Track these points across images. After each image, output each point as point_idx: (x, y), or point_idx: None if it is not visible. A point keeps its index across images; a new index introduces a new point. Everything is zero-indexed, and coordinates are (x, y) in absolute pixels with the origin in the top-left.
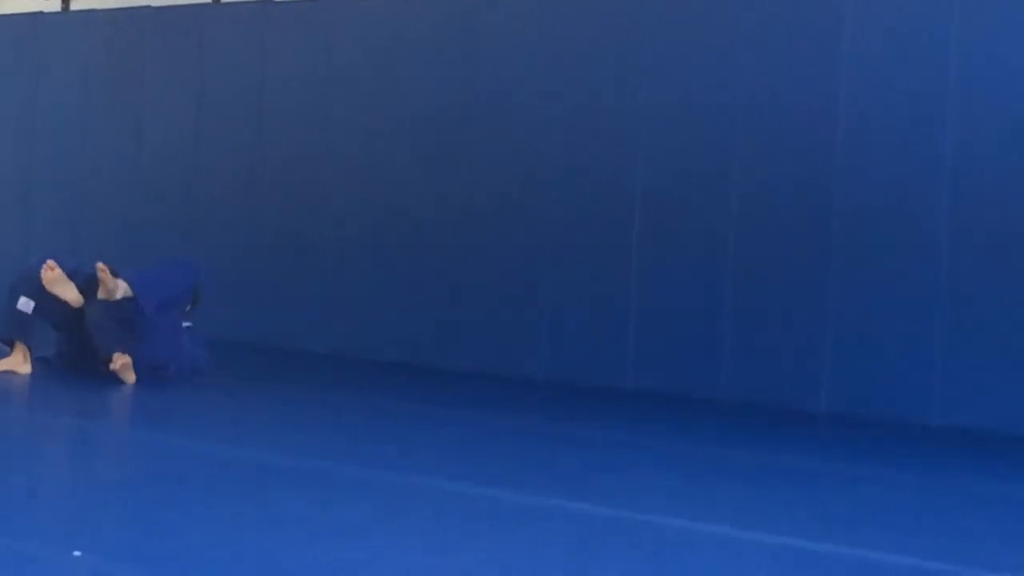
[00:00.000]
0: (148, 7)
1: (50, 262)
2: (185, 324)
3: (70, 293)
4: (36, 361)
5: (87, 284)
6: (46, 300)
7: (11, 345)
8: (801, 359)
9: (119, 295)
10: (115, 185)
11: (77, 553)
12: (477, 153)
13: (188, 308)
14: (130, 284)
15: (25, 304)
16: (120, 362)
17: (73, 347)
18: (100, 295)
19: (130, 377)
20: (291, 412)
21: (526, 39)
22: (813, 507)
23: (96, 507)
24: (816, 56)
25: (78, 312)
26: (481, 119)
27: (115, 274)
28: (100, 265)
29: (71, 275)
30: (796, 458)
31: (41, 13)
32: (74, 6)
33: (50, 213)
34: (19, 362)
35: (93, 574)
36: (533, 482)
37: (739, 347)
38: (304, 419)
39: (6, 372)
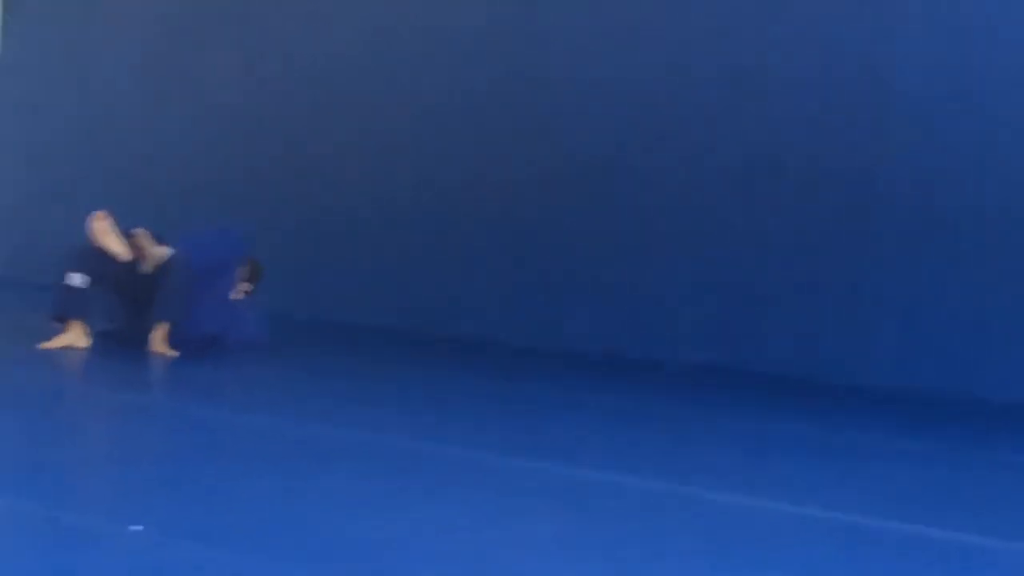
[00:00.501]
0: None
1: (99, 212)
2: (237, 295)
3: (117, 245)
4: (96, 335)
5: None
6: (97, 269)
7: (64, 323)
8: (856, 334)
9: (156, 261)
10: (171, 160)
11: (135, 527)
12: (520, 126)
13: (238, 281)
14: (173, 248)
15: (78, 280)
16: (159, 338)
17: (127, 314)
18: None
19: (168, 352)
20: (345, 386)
21: (574, 18)
22: (872, 482)
23: (153, 481)
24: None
25: (130, 275)
26: (548, 96)
27: (160, 241)
28: (139, 231)
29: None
30: (855, 434)
31: None
32: None
33: (108, 187)
34: (76, 337)
35: (151, 548)
36: (587, 456)
37: (796, 322)
38: (358, 392)
39: (65, 347)
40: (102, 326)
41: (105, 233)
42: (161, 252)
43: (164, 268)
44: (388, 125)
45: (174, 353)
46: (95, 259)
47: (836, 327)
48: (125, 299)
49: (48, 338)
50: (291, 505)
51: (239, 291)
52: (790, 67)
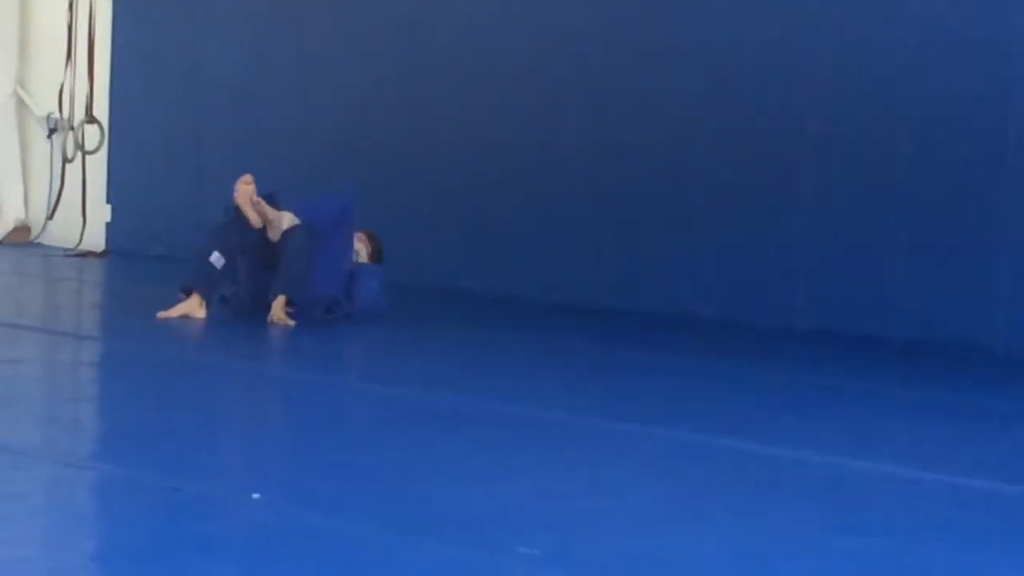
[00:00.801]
0: None
1: (246, 176)
2: (355, 260)
3: (252, 213)
4: (216, 302)
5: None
6: (237, 240)
7: (188, 294)
8: (975, 296)
9: (285, 225)
10: (284, 134)
11: (256, 495)
12: (641, 94)
13: (354, 244)
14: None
15: (217, 259)
16: (278, 307)
17: (251, 282)
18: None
19: (287, 321)
20: (465, 354)
21: None
22: (989, 446)
23: (274, 450)
24: None
25: (260, 243)
26: (648, 59)
27: (274, 205)
28: (259, 199)
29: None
30: (972, 397)
31: None
32: None
33: (220, 156)
34: (195, 307)
35: (272, 516)
36: (706, 422)
37: (910, 285)
38: (478, 361)
39: (183, 316)
40: (222, 292)
41: (248, 198)
42: (287, 218)
43: (288, 235)
44: (501, 91)
45: (291, 323)
46: (236, 230)
47: (954, 289)
48: (252, 267)
49: (167, 308)
50: (409, 474)
51: (356, 256)
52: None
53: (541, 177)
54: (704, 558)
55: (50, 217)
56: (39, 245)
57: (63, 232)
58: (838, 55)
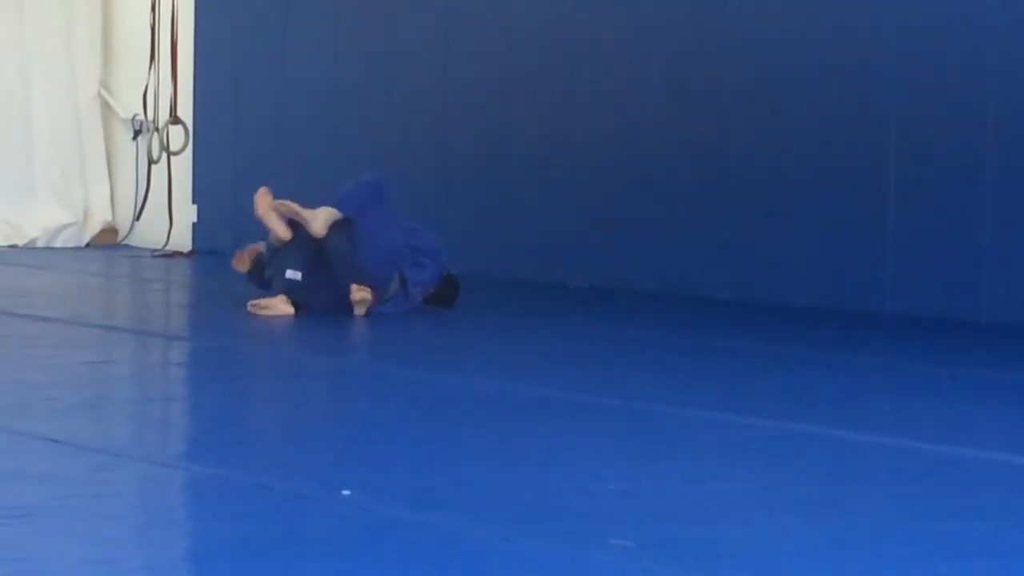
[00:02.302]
0: None
1: (262, 188)
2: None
3: (276, 223)
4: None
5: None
6: (303, 254)
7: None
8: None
9: (323, 225)
10: (368, 125)
11: (346, 492)
12: (726, 84)
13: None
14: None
15: (292, 275)
16: (359, 294)
17: (315, 286)
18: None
19: (362, 309)
20: (548, 345)
21: None
22: None
23: (361, 445)
24: None
25: (312, 247)
26: (731, 47)
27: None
28: (285, 204)
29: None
30: None
31: None
32: None
33: (305, 155)
34: (282, 305)
35: (362, 512)
36: (793, 409)
37: (999, 267)
38: (562, 352)
39: (273, 315)
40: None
41: (265, 207)
42: (325, 213)
43: (331, 233)
44: (579, 84)
45: (369, 297)
46: (299, 247)
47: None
48: (314, 273)
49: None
50: (497, 466)
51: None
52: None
53: (620, 170)
54: (797, 546)
55: (137, 218)
56: (126, 246)
57: (150, 233)
58: (919, 46)
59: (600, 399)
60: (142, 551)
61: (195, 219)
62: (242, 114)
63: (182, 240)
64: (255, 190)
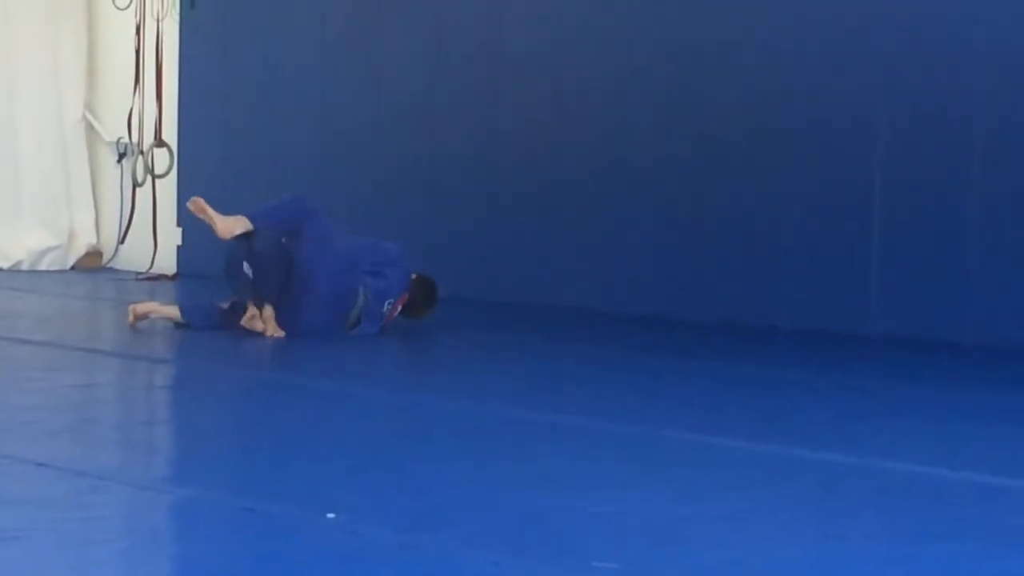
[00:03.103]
0: None
1: (193, 197)
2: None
3: (240, 225)
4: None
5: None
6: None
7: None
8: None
9: (238, 230)
10: (355, 146)
11: (331, 515)
12: (712, 104)
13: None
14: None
15: (248, 268)
16: (249, 314)
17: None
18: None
19: (270, 331)
20: (535, 366)
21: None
22: None
23: (346, 468)
24: None
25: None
26: (715, 68)
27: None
28: (195, 201)
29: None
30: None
31: None
32: None
33: (290, 177)
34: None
35: (348, 535)
36: (780, 432)
37: (986, 288)
38: (548, 373)
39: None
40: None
41: (201, 210)
42: (235, 220)
43: (264, 238)
44: (567, 99)
45: (281, 333)
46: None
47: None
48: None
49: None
50: (482, 488)
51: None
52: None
53: (605, 192)
54: (782, 568)
55: (121, 241)
56: (111, 269)
57: (135, 256)
58: (906, 68)
59: (584, 421)
60: (127, 574)
61: (180, 242)
62: (227, 137)
63: (167, 263)
64: (241, 212)
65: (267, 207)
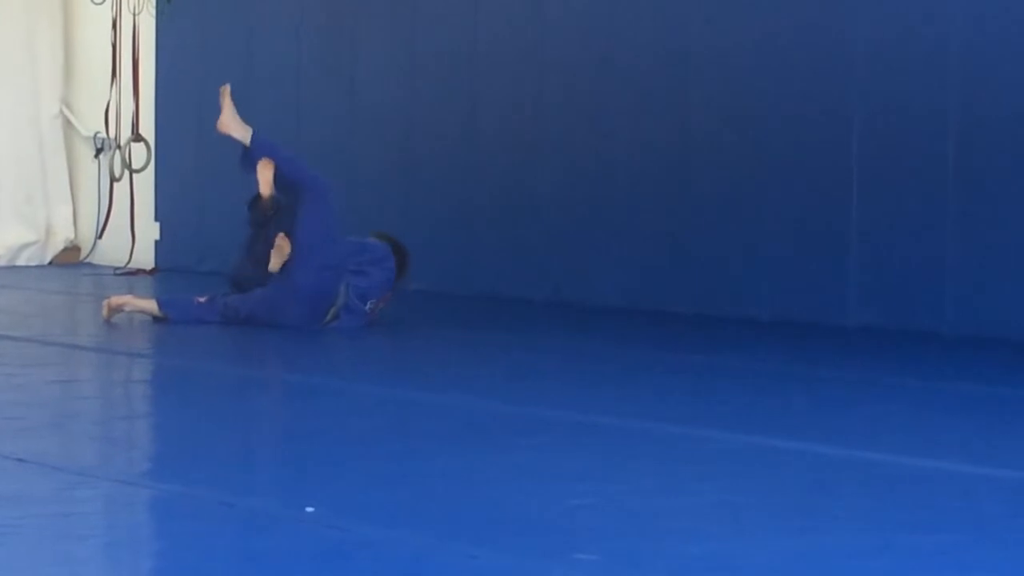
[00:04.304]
0: None
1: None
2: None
3: (239, 130)
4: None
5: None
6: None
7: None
8: None
9: (235, 135)
10: (331, 143)
11: (310, 509)
12: (690, 99)
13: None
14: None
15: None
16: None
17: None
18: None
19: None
20: (514, 360)
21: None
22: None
23: (325, 462)
24: None
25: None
26: (694, 63)
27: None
28: (225, 89)
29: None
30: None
31: None
32: None
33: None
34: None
35: (327, 529)
36: (760, 422)
37: (963, 279)
38: (527, 367)
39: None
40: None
41: (223, 95)
42: (239, 127)
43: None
44: (544, 100)
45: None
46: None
47: (1008, 281)
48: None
49: None
50: (462, 482)
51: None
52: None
53: (584, 184)
54: (764, 560)
55: (99, 236)
56: (89, 264)
57: (113, 251)
58: (882, 62)
59: (564, 414)
60: (109, 570)
61: (158, 237)
62: (204, 131)
63: (145, 258)
64: (218, 207)
65: (287, 153)
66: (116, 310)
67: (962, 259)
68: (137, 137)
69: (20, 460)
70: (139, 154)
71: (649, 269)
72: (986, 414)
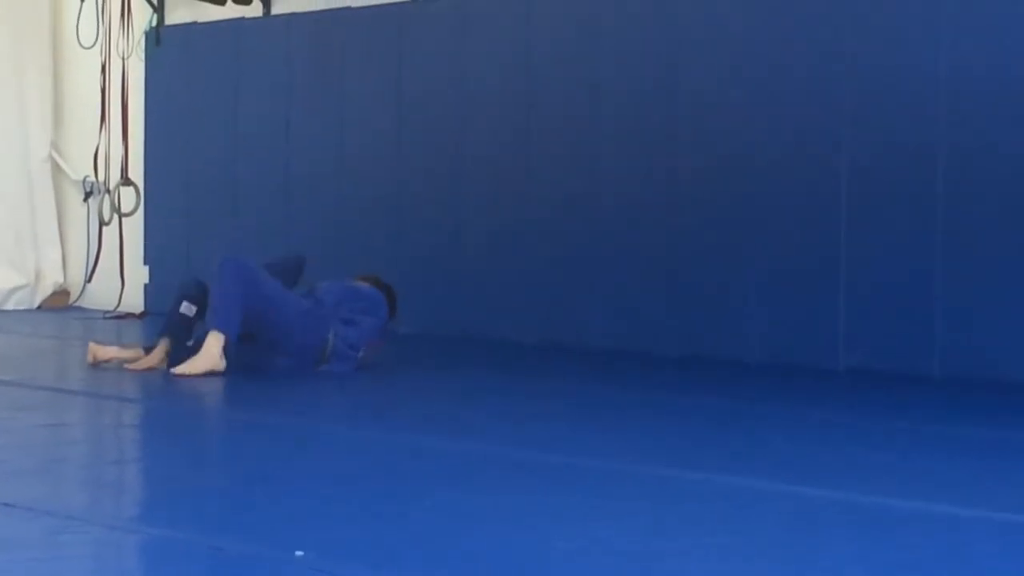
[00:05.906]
0: (348, 8)
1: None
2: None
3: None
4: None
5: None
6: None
7: (154, 347)
8: (1020, 331)
9: (216, 351)
10: (319, 185)
11: (299, 553)
12: (678, 135)
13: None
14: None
15: (187, 308)
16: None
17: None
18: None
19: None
20: (502, 403)
21: (721, 13)
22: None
23: (314, 505)
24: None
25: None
26: (682, 99)
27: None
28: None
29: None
30: (1020, 432)
31: (243, 19)
32: (275, 11)
33: (256, 215)
34: (157, 359)
35: (316, 573)
36: (749, 464)
37: (953, 322)
38: (515, 409)
39: (146, 370)
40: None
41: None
42: (209, 356)
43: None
44: (532, 141)
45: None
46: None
47: (996, 324)
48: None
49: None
50: (449, 524)
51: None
52: (944, 60)
53: (572, 226)
54: None
55: (88, 280)
56: (78, 308)
57: (102, 295)
58: (870, 101)
59: (551, 456)
60: None
61: (147, 280)
62: (193, 175)
63: (134, 301)
64: (206, 251)
65: (214, 302)
66: (102, 361)
67: (951, 302)
68: (126, 181)
69: (7, 504)
70: (128, 198)
71: (637, 311)
72: (976, 456)
